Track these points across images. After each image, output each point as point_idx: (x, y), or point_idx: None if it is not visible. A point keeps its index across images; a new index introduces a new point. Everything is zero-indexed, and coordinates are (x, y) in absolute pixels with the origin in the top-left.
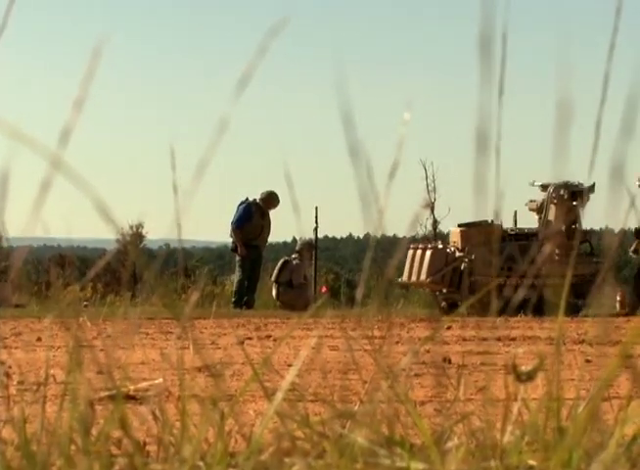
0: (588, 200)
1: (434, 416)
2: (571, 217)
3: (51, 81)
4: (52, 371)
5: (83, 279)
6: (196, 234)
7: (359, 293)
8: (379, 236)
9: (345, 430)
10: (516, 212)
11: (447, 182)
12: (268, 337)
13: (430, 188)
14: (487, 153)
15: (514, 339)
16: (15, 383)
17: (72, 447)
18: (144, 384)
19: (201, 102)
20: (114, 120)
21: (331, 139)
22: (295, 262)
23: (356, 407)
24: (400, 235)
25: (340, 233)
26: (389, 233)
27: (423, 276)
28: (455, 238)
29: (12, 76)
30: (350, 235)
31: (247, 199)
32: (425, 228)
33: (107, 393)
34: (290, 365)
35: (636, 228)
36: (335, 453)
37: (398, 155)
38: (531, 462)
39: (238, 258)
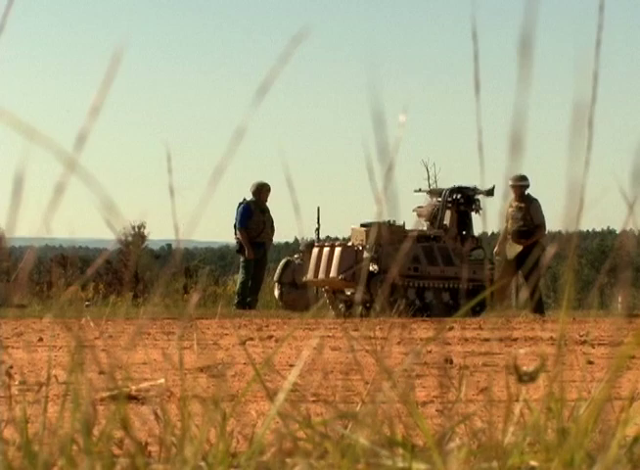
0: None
1: (436, 417)
2: (466, 222)
3: (62, 84)
4: (53, 371)
5: (83, 278)
6: (197, 234)
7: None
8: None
9: (347, 430)
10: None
11: (450, 183)
12: (270, 337)
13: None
14: (522, 154)
15: (515, 340)
16: (16, 383)
17: (74, 448)
18: (146, 384)
19: (211, 104)
20: (119, 120)
21: (334, 139)
22: (297, 263)
23: (358, 408)
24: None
25: (341, 234)
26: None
27: (333, 273)
28: (360, 236)
29: (23, 78)
30: None
31: (244, 199)
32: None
33: (108, 393)
34: (291, 366)
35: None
36: (336, 454)
37: (394, 157)
38: (533, 463)
39: (242, 258)
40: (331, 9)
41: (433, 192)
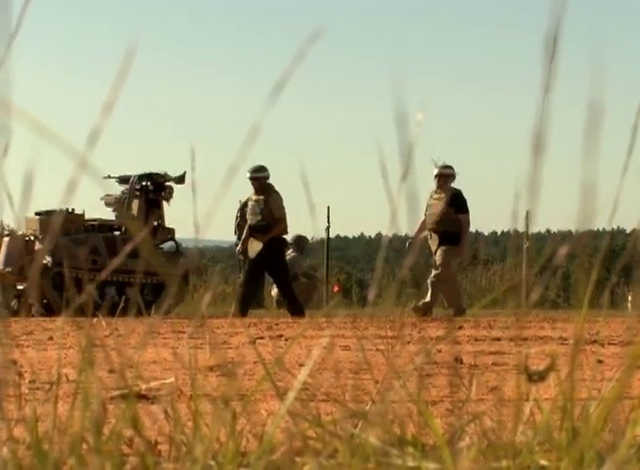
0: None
1: (446, 416)
2: (157, 212)
3: (73, 80)
4: (64, 370)
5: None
6: (207, 234)
7: (372, 293)
8: (391, 235)
9: (357, 430)
10: (528, 213)
11: (459, 182)
12: (280, 336)
13: None
14: (544, 153)
15: (526, 339)
16: (27, 382)
17: (84, 447)
18: (156, 383)
19: (226, 102)
20: (121, 118)
21: (342, 137)
22: (290, 256)
23: (368, 407)
24: (412, 235)
25: (351, 233)
26: (401, 233)
27: None
28: (33, 226)
29: (40, 77)
30: (362, 234)
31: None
32: None
33: (119, 392)
34: (302, 365)
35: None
36: (346, 453)
37: (412, 155)
38: (543, 462)
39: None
40: (350, 8)
41: (122, 179)
